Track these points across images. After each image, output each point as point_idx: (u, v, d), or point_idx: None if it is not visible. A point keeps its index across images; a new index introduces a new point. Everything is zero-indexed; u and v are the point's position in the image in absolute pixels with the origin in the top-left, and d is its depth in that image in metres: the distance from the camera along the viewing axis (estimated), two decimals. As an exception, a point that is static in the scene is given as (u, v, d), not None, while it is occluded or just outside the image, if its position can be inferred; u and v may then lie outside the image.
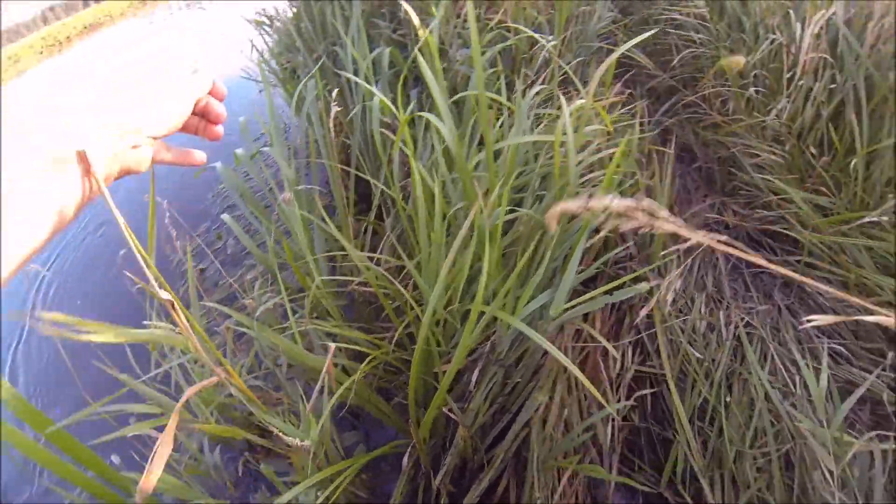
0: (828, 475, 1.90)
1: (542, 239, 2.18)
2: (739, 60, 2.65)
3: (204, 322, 3.18)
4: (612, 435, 2.31)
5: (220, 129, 0.94)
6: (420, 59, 2.06)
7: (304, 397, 2.11)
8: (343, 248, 2.44)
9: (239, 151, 3.06)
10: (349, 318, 2.72)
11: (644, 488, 2.24)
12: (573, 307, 2.12)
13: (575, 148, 2.08)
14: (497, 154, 2.49)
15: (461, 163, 1.98)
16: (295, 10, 4.81)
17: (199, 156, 0.94)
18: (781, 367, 2.30)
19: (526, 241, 2.20)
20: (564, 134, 2.04)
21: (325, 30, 4.13)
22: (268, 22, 5.30)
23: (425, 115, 2.12)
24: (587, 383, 1.66)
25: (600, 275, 2.72)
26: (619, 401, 2.37)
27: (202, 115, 0.91)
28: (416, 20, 2.08)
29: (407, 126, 2.19)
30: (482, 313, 1.91)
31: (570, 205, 0.70)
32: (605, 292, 2.11)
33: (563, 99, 2.11)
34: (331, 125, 2.66)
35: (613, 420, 2.33)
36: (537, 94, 2.83)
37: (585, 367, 2.44)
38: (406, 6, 2.14)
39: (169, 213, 3.32)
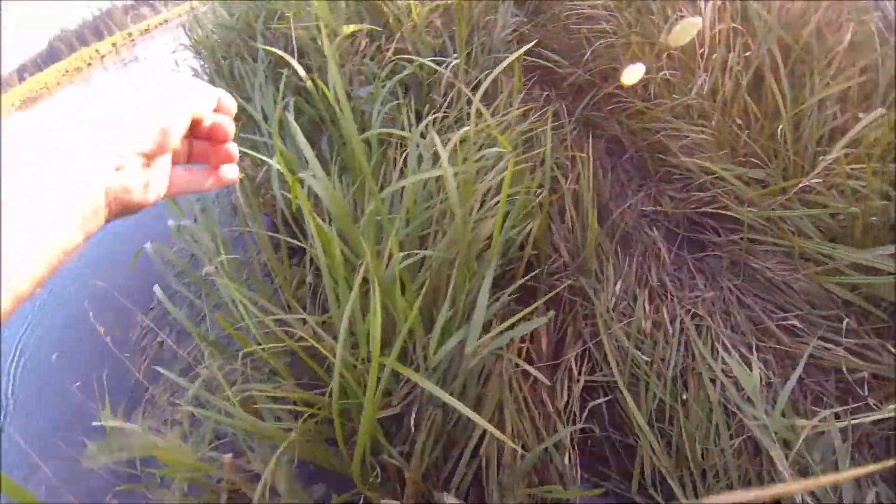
0: (783, 463, 1.82)
1: (449, 276, 2.12)
2: (639, 70, 2.56)
3: (166, 396, 3.14)
4: (572, 449, 2.25)
5: (232, 170, 0.82)
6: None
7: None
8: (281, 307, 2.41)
9: (171, 223, 3.00)
10: (297, 372, 2.64)
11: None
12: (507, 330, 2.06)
13: (470, 174, 2.01)
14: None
15: (342, 221, 1.92)
16: (210, 69, 4.80)
17: (231, 172, 0.82)
18: (736, 354, 2.22)
19: (435, 280, 2.14)
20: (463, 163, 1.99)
21: (239, 85, 4.09)
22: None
23: (304, 176, 2.03)
24: (497, 433, 1.59)
25: (537, 289, 2.64)
26: (571, 415, 2.30)
27: (209, 137, 0.79)
28: (301, 72, 2.02)
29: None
30: (384, 366, 1.86)
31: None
32: (511, 325, 2.10)
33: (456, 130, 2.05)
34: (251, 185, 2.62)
35: (572, 435, 2.26)
36: (444, 118, 2.76)
37: (536, 387, 2.36)
38: (292, 62, 2.09)
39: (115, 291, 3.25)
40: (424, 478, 2.15)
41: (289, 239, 2.89)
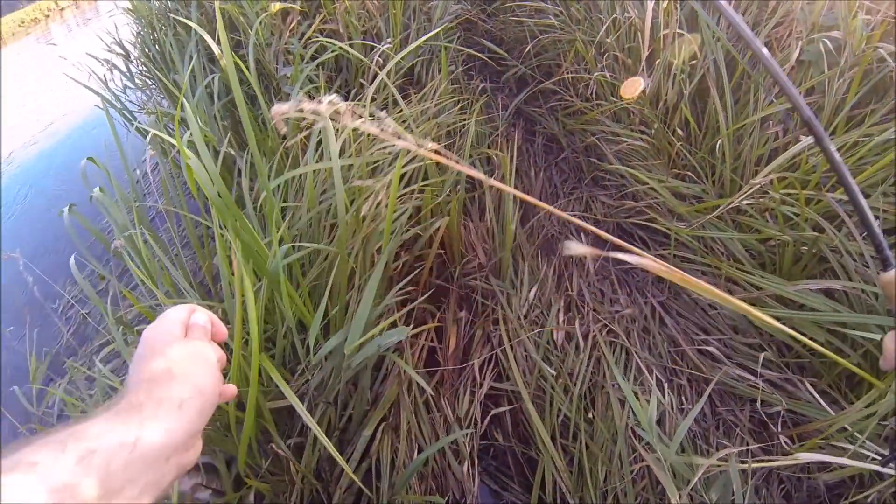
0: (675, 499, 1.75)
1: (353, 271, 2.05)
2: (637, 83, 2.45)
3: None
4: (473, 458, 2.16)
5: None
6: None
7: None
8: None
9: (96, 192, 2.85)
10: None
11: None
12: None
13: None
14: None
15: (221, 214, 1.80)
16: (139, 44, 4.63)
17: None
18: (650, 377, 2.13)
19: (329, 276, 2.02)
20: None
21: (167, 62, 3.92)
22: (122, 53, 5.09)
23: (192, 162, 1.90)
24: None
25: (450, 289, 2.53)
26: (472, 422, 2.21)
27: None
28: (216, 49, 1.89)
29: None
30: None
31: (282, 107, 0.73)
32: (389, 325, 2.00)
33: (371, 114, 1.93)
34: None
35: (473, 443, 2.19)
36: (373, 101, 2.63)
37: (438, 389, 2.25)
38: (207, 38, 1.96)
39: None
40: (318, 475, 2.06)
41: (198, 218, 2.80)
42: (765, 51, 0.96)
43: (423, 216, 2.38)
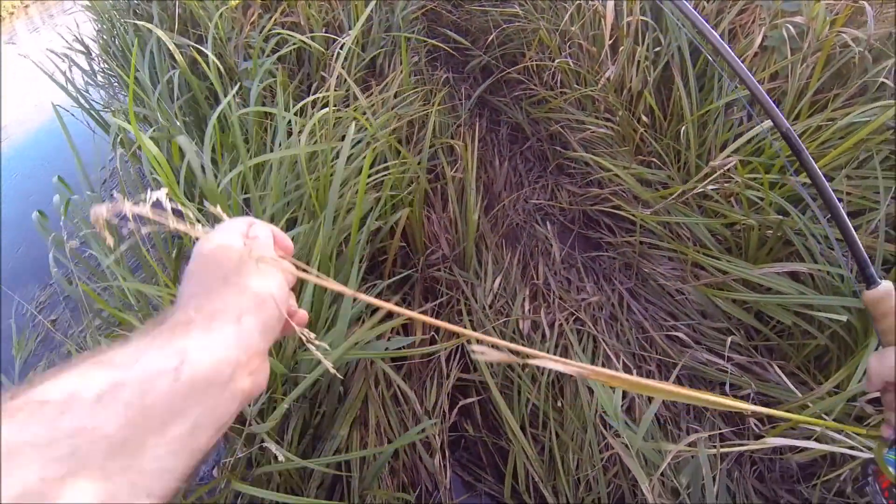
0: (646, 486, 1.76)
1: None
2: None
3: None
4: (444, 450, 2.15)
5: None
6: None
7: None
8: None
9: (55, 199, 2.82)
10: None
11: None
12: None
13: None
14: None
15: (211, 195, 1.77)
16: (100, 41, 4.56)
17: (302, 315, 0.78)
18: (615, 362, 2.13)
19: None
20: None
21: (128, 59, 3.86)
22: (83, 50, 5.01)
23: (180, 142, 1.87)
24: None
25: (414, 280, 2.52)
26: (441, 414, 2.19)
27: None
28: (172, 47, 1.86)
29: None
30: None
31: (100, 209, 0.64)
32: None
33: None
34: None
35: (443, 435, 2.17)
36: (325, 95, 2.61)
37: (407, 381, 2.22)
38: (162, 36, 1.93)
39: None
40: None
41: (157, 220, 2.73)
42: (730, 51, 0.95)
43: (384, 208, 2.35)
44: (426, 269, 2.50)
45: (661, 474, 1.81)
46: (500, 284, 2.41)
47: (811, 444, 1.70)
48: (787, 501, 1.91)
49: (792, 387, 1.88)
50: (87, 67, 4.63)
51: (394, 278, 2.35)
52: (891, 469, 1.03)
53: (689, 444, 1.80)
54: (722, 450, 1.83)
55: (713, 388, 2.09)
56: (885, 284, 0.97)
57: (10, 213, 4.14)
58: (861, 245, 0.99)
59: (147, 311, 2.23)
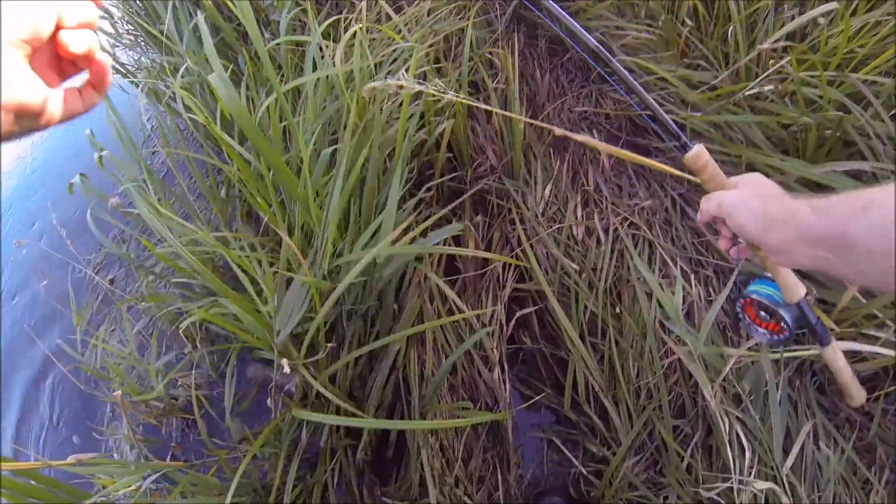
0: (708, 390, 1.75)
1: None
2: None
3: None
4: (502, 364, 2.12)
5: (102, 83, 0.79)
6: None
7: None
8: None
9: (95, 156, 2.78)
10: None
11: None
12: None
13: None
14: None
15: (246, 125, 1.71)
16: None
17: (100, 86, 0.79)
18: (675, 268, 2.07)
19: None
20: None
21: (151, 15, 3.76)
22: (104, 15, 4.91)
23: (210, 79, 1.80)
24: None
25: (463, 193, 2.46)
26: (498, 326, 2.16)
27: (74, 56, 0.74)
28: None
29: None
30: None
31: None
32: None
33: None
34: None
35: (500, 348, 2.14)
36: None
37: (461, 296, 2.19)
38: None
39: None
40: (350, 395, 2.05)
41: (202, 157, 2.76)
42: None
43: (427, 120, 2.29)
44: (475, 182, 2.44)
45: (724, 380, 1.77)
46: (550, 192, 2.35)
47: (875, 349, 1.68)
48: (846, 415, 1.86)
49: (857, 294, 1.81)
50: (111, 31, 4.55)
51: (443, 198, 2.31)
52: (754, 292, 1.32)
53: (751, 349, 1.76)
54: (785, 355, 1.78)
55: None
56: (697, 147, 1.19)
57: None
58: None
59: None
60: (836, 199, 0.95)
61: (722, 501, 1.72)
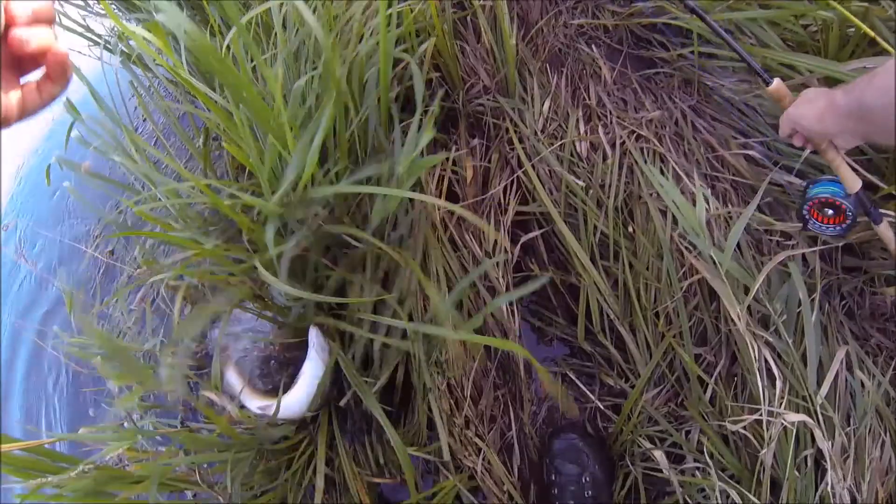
0: (735, 310, 1.62)
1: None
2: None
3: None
4: (508, 291, 2.00)
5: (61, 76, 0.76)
6: None
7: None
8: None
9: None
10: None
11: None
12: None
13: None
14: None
15: (200, 49, 1.56)
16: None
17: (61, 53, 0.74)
18: (689, 182, 1.91)
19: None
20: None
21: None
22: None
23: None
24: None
25: (457, 112, 2.33)
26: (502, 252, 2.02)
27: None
28: None
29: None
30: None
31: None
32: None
33: None
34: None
35: (507, 279, 2.02)
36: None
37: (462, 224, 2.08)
38: None
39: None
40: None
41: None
42: None
43: (407, 37, 2.12)
44: (468, 104, 2.28)
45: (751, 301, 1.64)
46: (549, 108, 2.18)
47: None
48: (877, 341, 1.75)
49: (888, 211, 1.66)
50: (80, 2, 4.39)
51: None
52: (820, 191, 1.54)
53: (782, 264, 1.68)
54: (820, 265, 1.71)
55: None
56: (776, 81, 1.48)
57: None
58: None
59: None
60: (859, 78, 1.18)
61: (749, 435, 1.61)
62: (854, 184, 1.47)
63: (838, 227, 1.55)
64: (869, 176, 1.68)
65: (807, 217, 1.59)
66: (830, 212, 1.53)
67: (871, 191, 1.69)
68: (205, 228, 2.07)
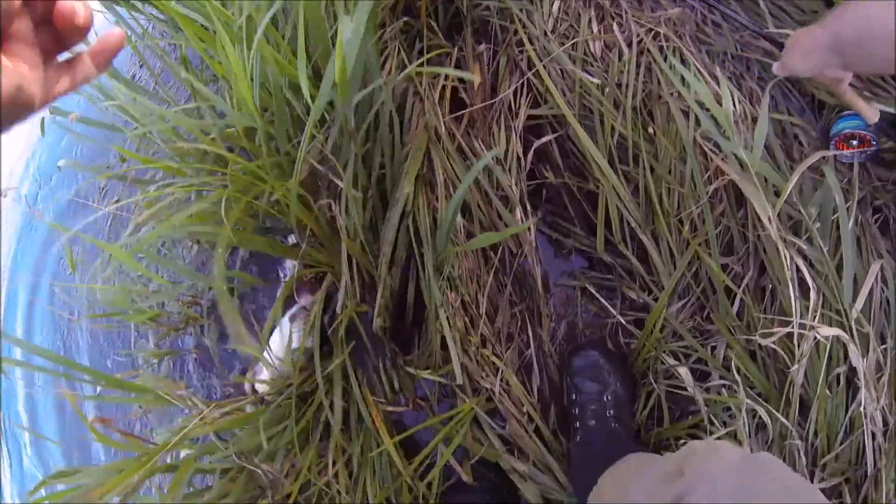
0: (766, 212, 1.54)
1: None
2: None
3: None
4: (521, 204, 1.90)
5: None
6: None
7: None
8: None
9: None
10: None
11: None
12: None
13: None
14: None
15: None
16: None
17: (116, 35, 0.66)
18: (710, 80, 1.79)
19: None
20: None
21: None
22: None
23: None
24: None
25: (462, 18, 2.24)
26: (515, 160, 1.94)
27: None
28: None
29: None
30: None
31: None
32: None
33: None
34: None
35: (520, 187, 1.93)
36: None
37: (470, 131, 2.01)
38: None
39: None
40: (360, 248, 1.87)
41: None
42: None
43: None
44: (472, 10, 2.17)
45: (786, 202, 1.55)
46: (559, 8, 2.06)
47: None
48: None
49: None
50: None
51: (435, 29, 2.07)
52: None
53: (815, 170, 1.61)
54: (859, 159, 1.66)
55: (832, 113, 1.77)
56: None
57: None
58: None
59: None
60: (837, 7, 1.22)
61: (779, 350, 1.53)
62: (872, 116, 1.51)
63: (864, 154, 1.64)
64: (884, 107, 1.61)
65: (834, 150, 1.66)
66: (855, 142, 1.63)
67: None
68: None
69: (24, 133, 4.12)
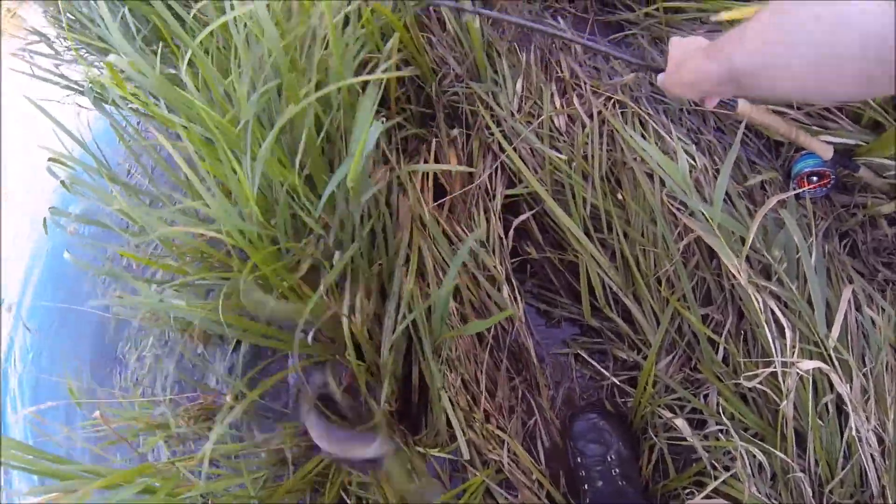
0: (732, 262, 1.59)
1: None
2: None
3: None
4: (508, 281, 1.98)
5: None
6: None
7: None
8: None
9: None
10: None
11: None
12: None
13: None
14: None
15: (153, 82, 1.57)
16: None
17: None
18: (672, 140, 1.89)
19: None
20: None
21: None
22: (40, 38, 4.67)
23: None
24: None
25: (432, 108, 2.34)
26: (497, 241, 2.02)
27: None
28: None
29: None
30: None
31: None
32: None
33: None
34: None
35: (506, 264, 2.01)
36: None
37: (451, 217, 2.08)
38: None
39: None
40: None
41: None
42: None
43: (366, 35, 2.10)
44: (442, 95, 2.26)
45: (749, 252, 1.61)
46: (522, 87, 2.16)
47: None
48: (884, 276, 1.75)
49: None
50: (50, 51, 4.35)
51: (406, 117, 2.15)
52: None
53: (775, 208, 1.64)
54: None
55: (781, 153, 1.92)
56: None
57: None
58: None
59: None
60: (725, 36, 1.04)
61: (767, 390, 1.60)
62: (826, 152, 1.69)
63: (825, 189, 1.78)
64: (833, 139, 1.75)
65: (796, 189, 1.76)
66: (815, 178, 1.75)
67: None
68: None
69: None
